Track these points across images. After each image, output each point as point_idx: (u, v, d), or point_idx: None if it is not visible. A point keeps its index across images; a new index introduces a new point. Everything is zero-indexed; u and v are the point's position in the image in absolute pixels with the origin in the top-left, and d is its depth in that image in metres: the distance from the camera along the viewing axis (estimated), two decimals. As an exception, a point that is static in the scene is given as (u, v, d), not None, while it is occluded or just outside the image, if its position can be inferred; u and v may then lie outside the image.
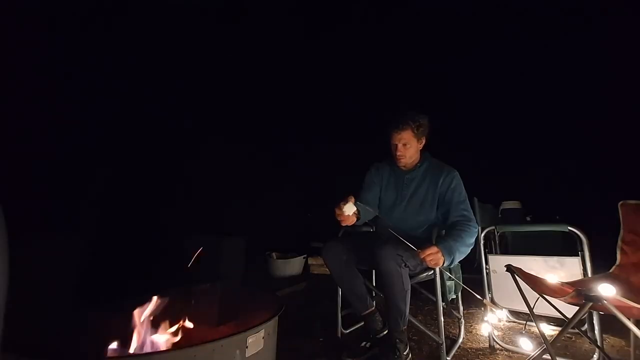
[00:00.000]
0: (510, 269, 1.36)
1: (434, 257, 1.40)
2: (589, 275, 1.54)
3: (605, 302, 0.99)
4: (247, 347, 0.99)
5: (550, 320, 1.88)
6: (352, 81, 4.87)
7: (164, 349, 1.18)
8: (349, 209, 1.46)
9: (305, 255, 3.79)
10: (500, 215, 3.02)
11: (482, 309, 2.22)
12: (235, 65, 4.06)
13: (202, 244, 2.62)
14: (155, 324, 1.24)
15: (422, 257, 1.39)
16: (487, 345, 1.80)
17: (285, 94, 4.70)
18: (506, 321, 2.12)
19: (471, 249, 1.59)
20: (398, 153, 1.68)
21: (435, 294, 1.54)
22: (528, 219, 3.09)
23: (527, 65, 4.69)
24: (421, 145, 1.73)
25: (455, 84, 4.93)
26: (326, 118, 5.05)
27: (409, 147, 1.67)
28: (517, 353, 1.68)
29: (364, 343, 1.68)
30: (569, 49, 4.38)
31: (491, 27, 4.50)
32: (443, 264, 1.44)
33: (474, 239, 1.57)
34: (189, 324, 1.29)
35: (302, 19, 4.37)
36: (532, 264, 1.77)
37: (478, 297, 1.51)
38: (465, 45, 4.66)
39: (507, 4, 4.18)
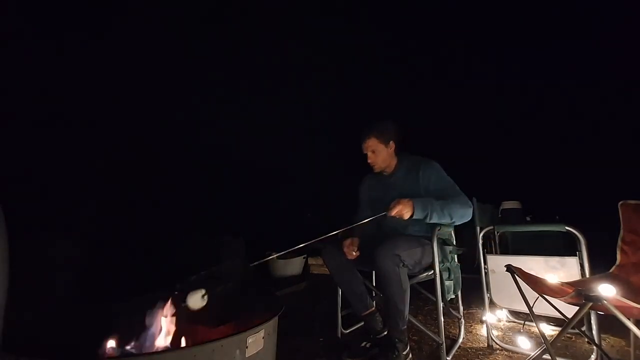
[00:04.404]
0: (510, 269, 1.36)
1: (400, 207, 1.47)
2: (587, 275, 1.54)
3: (605, 302, 0.99)
4: (247, 347, 0.98)
5: (550, 320, 1.88)
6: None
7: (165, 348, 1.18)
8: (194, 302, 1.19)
9: (305, 255, 3.79)
10: (500, 215, 3.02)
11: (482, 308, 2.23)
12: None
13: (202, 244, 2.62)
14: (157, 323, 1.24)
15: (391, 214, 1.48)
16: (486, 345, 1.80)
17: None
18: (506, 321, 2.12)
19: (472, 249, 1.60)
20: (369, 161, 1.77)
21: (435, 294, 1.54)
22: (528, 219, 3.09)
23: (527, 65, 4.70)
24: (391, 149, 1.77)
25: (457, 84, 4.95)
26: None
27: (378, 153, 1.74)
28: (517, 353, 1.68)
29: (364, 343, 1.68)
30: (564, 49, 4.39)
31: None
32: (412, 216, 1.49)
33: (462, 209, 1.57)
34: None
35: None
36: (532, 264, 1.77)
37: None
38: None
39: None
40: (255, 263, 1.45)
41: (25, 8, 2.23)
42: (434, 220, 1.52)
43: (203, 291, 1.18)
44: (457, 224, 1.63)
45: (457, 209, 1.55)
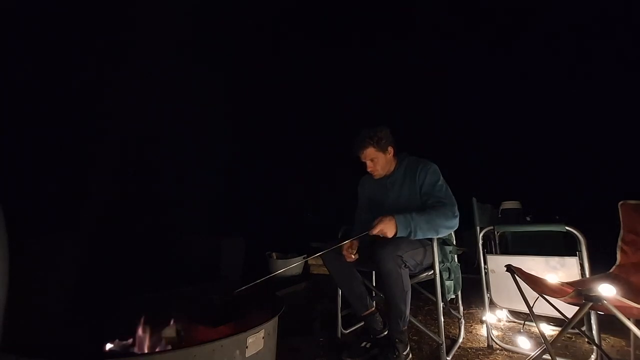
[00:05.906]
0: (510, 269, 1.36)
1: (382, 226, 1.41)
2: (587, 275, 1.54)
3: (606, 302, 0.99)
4: (247, 347, 0.98)
5: (550, 320, 1.88)
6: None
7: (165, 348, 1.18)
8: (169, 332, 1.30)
9: (305, 255, 3.79)
10: (500, 215, 3.02)
11: (482, 308, 2.23)
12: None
13: (202, 244, 2.63)
14: (155, 324, 1.24)
15: (373, 232, 1.42)
16: (486, 345, 1.80)
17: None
18: (506, 321, 2.12)
19: (472, 249, 1.58)
20: (369, 170, 1.74)
21: (435, 294, 1.54)
22: (528, 219, 3.09)
23: (529, 66, 4.70)
24: (390, 155, 1.74)
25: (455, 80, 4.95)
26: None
27: (377, 162, 1.71)
28: (517, 353, 1.68)
29: (364, 343, 1.68)
30: (569, 52, 4.39)
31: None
32: (395, 235, 1.43)
33: (447, 221, 1.51)
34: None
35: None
36: (532, 264, 1.77)
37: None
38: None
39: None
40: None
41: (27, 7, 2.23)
42: (419, 236, 1.46)
43: (177, 327, 1.29)
44: (442, 235, 1.57)
45: (442, 221, 1.50)
